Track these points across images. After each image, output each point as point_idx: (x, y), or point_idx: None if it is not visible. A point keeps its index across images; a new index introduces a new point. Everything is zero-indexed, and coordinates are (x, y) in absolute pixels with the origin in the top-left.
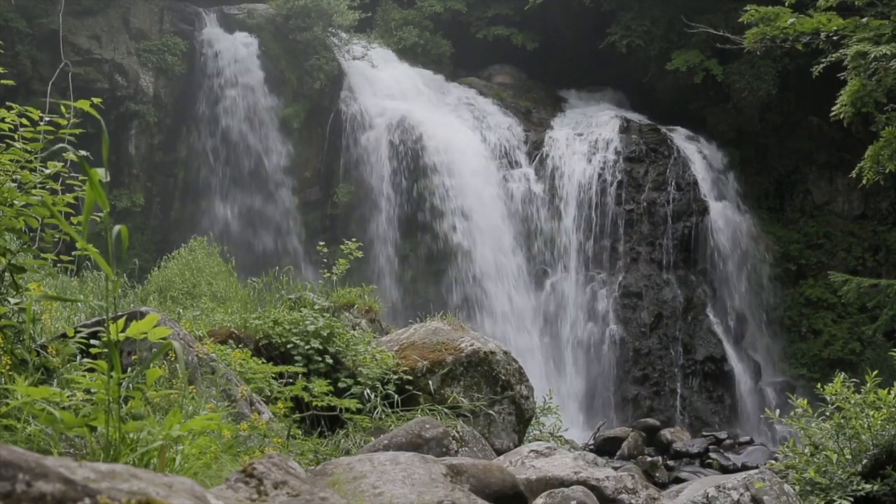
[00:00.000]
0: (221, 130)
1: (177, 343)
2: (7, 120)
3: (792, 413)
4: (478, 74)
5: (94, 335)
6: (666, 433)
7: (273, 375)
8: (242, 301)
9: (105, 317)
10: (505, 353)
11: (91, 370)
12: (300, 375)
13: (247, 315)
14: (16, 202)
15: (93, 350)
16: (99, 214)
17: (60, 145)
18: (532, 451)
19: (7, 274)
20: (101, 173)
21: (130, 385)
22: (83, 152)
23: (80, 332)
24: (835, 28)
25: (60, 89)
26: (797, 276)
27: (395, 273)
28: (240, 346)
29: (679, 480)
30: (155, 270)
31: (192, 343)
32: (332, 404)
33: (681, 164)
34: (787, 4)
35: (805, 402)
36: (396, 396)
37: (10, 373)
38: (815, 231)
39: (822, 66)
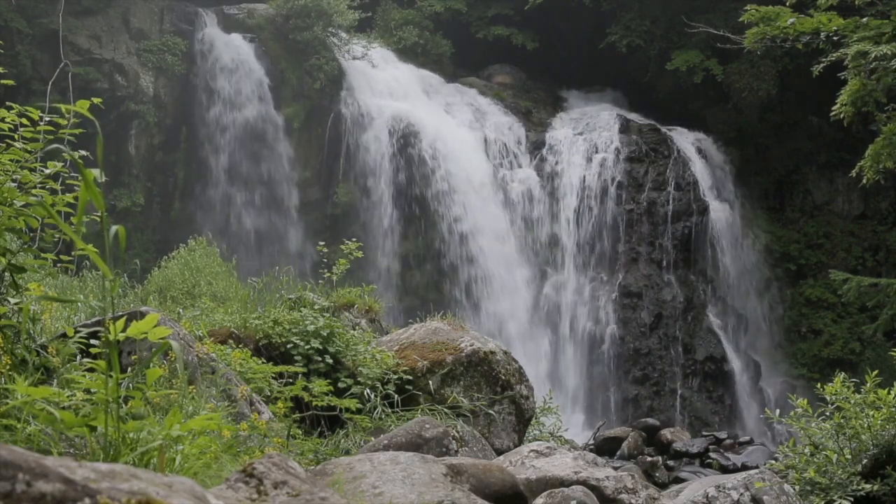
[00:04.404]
0: (221, 130)
1: (175, 343)
2: (7, 120)
3: (792, 413)
4: (478, 74)
5: (94, 335)
6: (666, 433)
7: (273, 375)
8: (242, 301)
9: (105, 317)
10: (505, 352)
11: (91, 370)
12: (300, 375)
13: (247, 315)
14: (16, 202)
15: (93, 350)
16: (97, 214)
17: (56, 146)
18: (532, 450)
19: (7, 274)
20: (96, 174)
21: (130, 385)
22: (83, 152)
23: (79, 332)
24: (835, 28)
25: (60, 89)
26: (797, 276)
27: (395, 273)
28: (240, 346)
29: (679, 480)
30: (155, 270)
31: (191, 343)
32: (332, 404)
33: (681, 164)
34: (787, 4)
35: (805, 402)
36: (396, 396)
37: (10, 373)
38: (815, 231)
39: (822, 66)
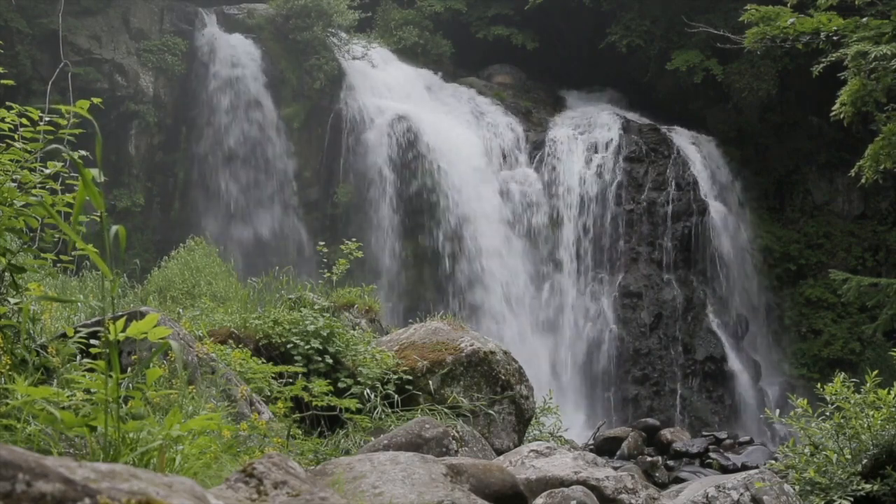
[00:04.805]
0: (221, 130)
1: (175, 343)
2: (7, 120)
3: (792, 413)
4: (478, 74)
5: (93, 335)
6: (666, 433)
7: (273, 375)
8: (242, 301)
9: (105, 317)
10: (505, 352)
11: (91, 370)
12: (300, 375)
13: (247, 315)
14: (16, 202)
15: (93, 350)
16: (97, 214)
17: (55, 146)
18: (532, 450)
19: (7, 274)
20: (95, 173)
21: (130, 385)
22: (83, 152)
23: (79, 332)
24: (835, 28)
25: (60, 89)
26: (797, 276)
27: (395, 273)
28: (240, 346)
29: (679, 480)
30: (155, 270)
31: (191, 343)
32: (332, 404)
33: (681, 164)
34: (787, 4)
35: (805, 402)
36: (396, 396)
37: (10, 373)
38: (815, 231)
39: (822, 66)
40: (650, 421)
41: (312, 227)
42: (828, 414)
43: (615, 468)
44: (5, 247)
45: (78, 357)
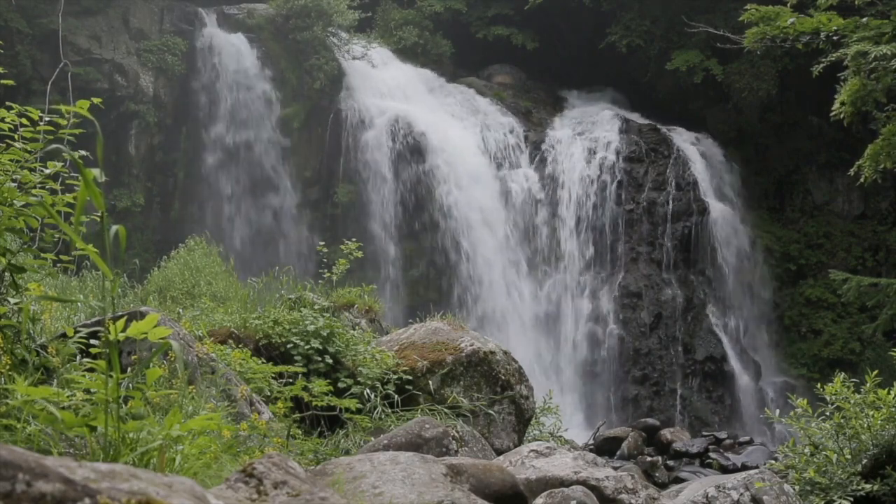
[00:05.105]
0: (221, 130)
1: (175, 343)
2: (7, 120)
3: (792, 413)
4: (478, 74)
5: (94, 335)
6: (666, 433)
7: (273, 375)
8: (242, 301)
9: (105, 317)
10: (505, 352)
11: (91, 370)
12: (300, 375)
13: (247, 315)
14: (16, 202)
15: (93, 350)
16: (97, 214)
17: (55, 146)
18: (532, 450)
19: (7, 274)
20: (96, 173)
21: (130, 385)
22: (83, 152)
23: (79, 332)
24: (835, 28)
25: (60, 89)
26: (797, 276)
27: (395, 273)
28: (240, 346)
29: (679, 480)
30: (155, 270)
31: (191, 343)
32: (332, 404)
33: (681, 164)
34: (787, 4)
35: (805, 402)
36: (396, 396)
37: (10, 373)
38: (815, 231)
39: (822, 66)
40: (650, 421)
41: (312, 227)
42: (828, 414)
43: (615, 468)
44: (5, 247)
45: (78, 357)
